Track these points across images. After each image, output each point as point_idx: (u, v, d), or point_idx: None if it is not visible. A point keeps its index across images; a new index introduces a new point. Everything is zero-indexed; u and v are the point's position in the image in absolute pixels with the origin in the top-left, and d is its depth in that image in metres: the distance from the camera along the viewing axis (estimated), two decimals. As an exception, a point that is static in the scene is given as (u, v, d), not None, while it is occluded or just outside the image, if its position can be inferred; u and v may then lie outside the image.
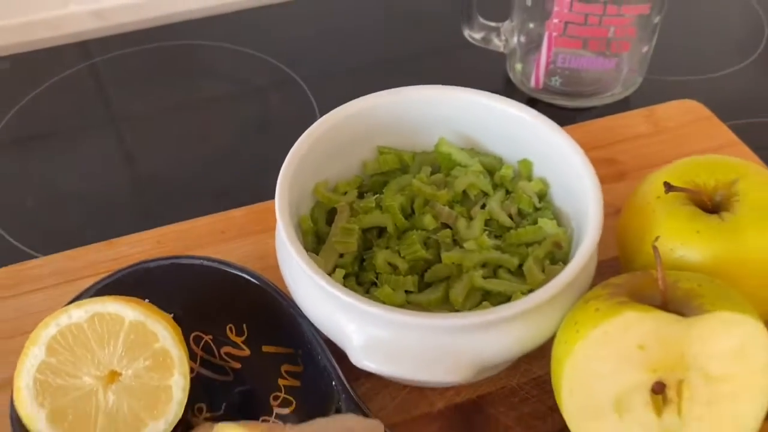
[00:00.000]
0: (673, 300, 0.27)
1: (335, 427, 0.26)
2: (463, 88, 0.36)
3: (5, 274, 0.37)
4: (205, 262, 0.33)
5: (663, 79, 0.52)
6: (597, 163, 0.34)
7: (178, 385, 0.28)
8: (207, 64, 0.56)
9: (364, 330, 0.28)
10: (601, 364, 0.26)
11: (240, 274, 0.32)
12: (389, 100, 0.36)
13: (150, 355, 0.28)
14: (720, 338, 0.26)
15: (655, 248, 0.27)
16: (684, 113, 0.45)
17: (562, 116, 0.40)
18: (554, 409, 0.31)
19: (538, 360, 0.33)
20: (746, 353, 0.26)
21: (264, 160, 0.47)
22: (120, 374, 0.27)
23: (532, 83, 0.49)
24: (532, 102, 0.50)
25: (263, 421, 0.30)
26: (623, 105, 0.49)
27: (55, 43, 0.57)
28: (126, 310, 0.28)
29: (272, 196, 0.31)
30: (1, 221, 0.43)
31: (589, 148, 0.36)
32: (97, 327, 0.27)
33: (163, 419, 0.28)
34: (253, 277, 0.32)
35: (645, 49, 0.47)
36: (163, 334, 0.28)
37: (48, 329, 0.27)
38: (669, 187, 0.30)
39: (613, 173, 0.42)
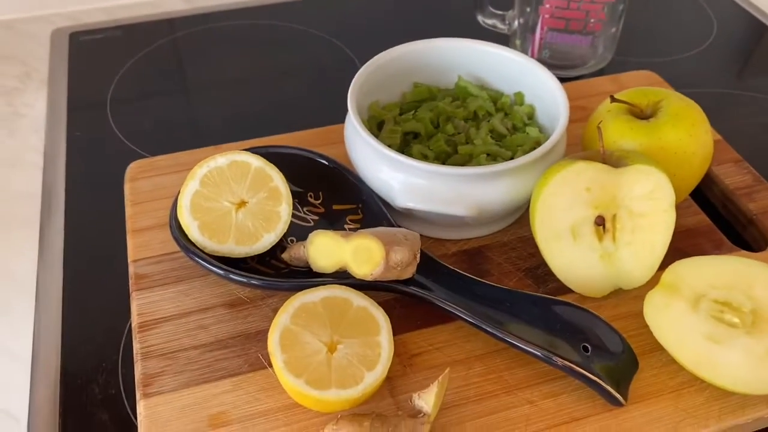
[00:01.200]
0: (609, 160, 0.41)
1: (390, 230, 0.40)
2: (475, 40, 0.50)
3: (142, 163, 0.51)
4: (294, 150, 0.47)
5: (629, 60, 0.67)
6: (573, 109, 0.49)
7: (284, 211, 0.42)
8: (272, 38, 0.71)
9: (405, 180, 0.42)
10: (561, 200, 0.40)
11: (317, 158, 0.47)
12: (422, 47, 0.50)
13: (267, 190, 0.42)
14: (638, 184, 0.40)
15: (598, 128, 0.41)
16: (642, 79, 0.60)
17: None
18: (532, 255, 0.45)
19: (523, 226, 0.47)
20: (656, 196, 0.40)
21: (322, 103, 0.62)
22: (247, 202, 0.42)
23: (528, 56, 0.64)
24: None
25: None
26: (597, 75, 0.64)
27: (152, 18, 0.73)
28: (252, 159, 0.42)
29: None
30: (132, 140, 0.58)
31: (571, 98, 0.50)
32: (233, 169, 0.42)
33: (273, 233, 0.42)
34: (326, 160, 0.47)
35: (613, 29, 0.62)
36: (276, 177, 0.42)
37: (201, 169, 0.41)
38: (613, 99, 0.44)
39: (583, 115, 0.56)
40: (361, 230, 0.40)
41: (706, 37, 0.71)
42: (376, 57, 0.49)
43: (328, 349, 0.36)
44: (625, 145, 0.43)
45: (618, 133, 0.44)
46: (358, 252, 0.39)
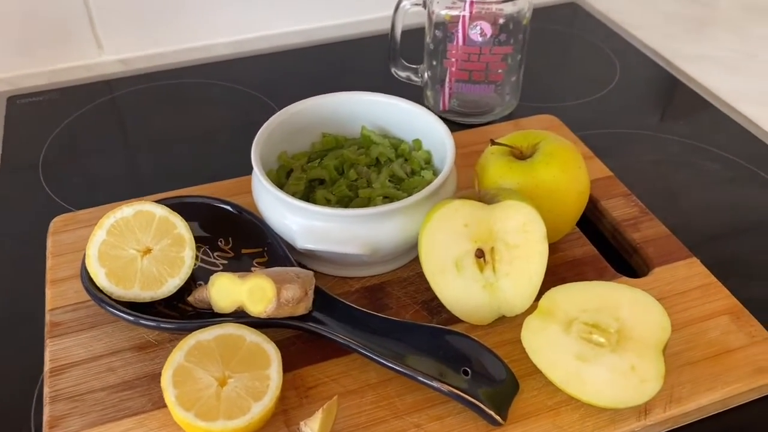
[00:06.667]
0: (484, 198, 0.44)
1: (284, 270, 0.43)
2: (378, 93, 0.54)
3: (65, 217, 0.54)
4: (204, 200, 0.50)
5: (534, 105, 0.71)
6: (478, 153, 0.52)
7: (188, 256, 0.45)
8: (204, 95, 0.75)
9: (304, 224, 0.45)
10: (442, 236, 0.44)
11: (223, 206, 0.50)
12: (326, 100, 0.54)
13: (171, 237, 0.45)
14: (511, 218, 0.43)
15: (474, 170, 0.45)
16: (541, 122, 0.64)
17: (462, 128, 0.57)
18: (428, 288, 0.48)
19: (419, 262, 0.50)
20: (528, 229, 0.44)
21: (245, 153, 0.65)
22: (152, 249, 0.44)
23: (441, 106, 0.69)
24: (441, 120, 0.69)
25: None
26: (505, 120, 0.68)
27: (90, 80, 0.77)
28: (156, 209, 0.45)
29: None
30: (61, 197, 0.61)
31: (473, 143, 0.54)
32: (138, 219, 0.44)
33: (178, 277, 0.44)
34: (232, 207, 0.50)
35: (514, 78, 0.67)
36: (179, 224, 0.45)
37: (108, 219, 0.44)
38: (492, 142, 0.48)
39: (486, 158, 0.60)
40: (258, 271, 0.43)
41: (609, 81, 0.76)
42: (281, 110, 0.53)
43: (219, 383, 0.38)
44: (505, 185, 0.47)
45: (498, 173, 0.48)
46: (253, 291, 0.41)
